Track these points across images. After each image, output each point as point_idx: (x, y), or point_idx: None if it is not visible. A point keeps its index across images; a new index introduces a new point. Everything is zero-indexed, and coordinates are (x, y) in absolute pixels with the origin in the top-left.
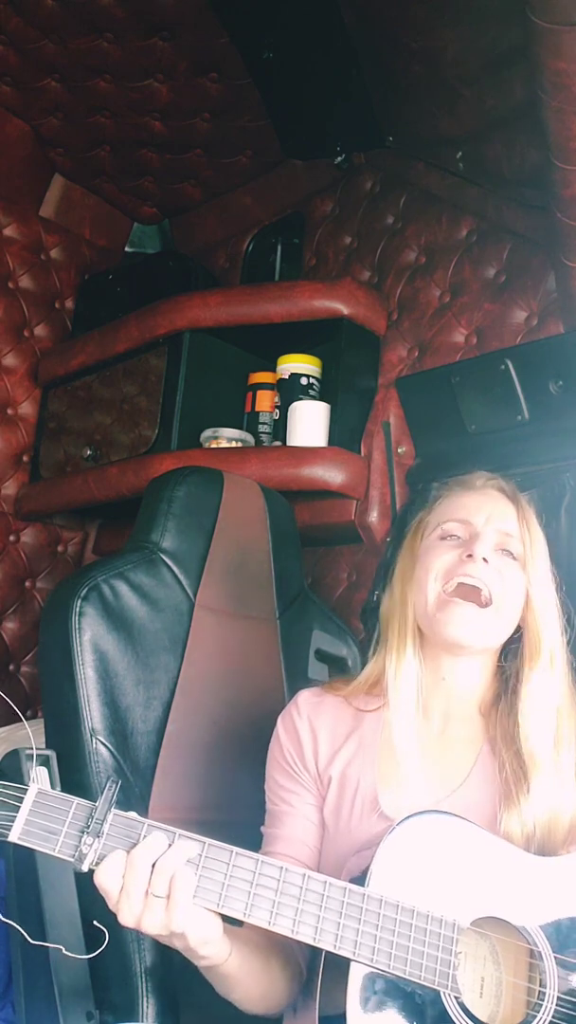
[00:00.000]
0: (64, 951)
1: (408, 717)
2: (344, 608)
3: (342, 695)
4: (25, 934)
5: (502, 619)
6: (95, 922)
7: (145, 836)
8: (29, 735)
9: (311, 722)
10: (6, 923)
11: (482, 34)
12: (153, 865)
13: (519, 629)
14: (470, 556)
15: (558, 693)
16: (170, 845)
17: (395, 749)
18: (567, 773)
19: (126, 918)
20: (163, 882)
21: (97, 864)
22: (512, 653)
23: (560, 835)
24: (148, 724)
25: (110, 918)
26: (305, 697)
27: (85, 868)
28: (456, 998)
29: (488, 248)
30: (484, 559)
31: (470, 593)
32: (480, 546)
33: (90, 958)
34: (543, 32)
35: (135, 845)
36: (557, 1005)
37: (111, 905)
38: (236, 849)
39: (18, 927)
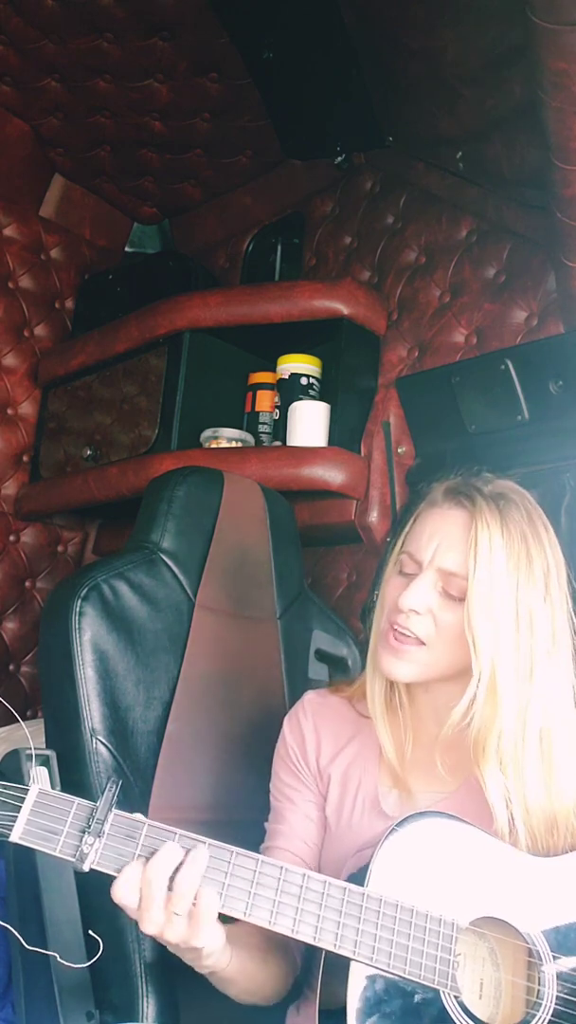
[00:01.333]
0: (59, 959)
1: (382, 726)
2: (344, 608)
3: (345, 696)
4: (22, 940)
5: (441, 654)
6: (91, 932)
7: (147, 835)
8: (27, 735)
9: (315, 722)
10: (4, 926)
11: (482, 34)
12: (171, 879)
13: None
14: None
15: (520, 733)
16: (187, 853)
17: (384, 752)
18: (560, 777)
19: (149, 929)
20: (185, 901)
21: (98, 864)
22: None
23: (559, 843)
24: (148, 724)
25: (108, 924)
26: (311, 698)
27: (86, 868)
28: (456, 997)
29: (488, 248)
30: (414, 610)
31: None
32: (406, 599)
33: (87, 966)
34: (543, 32)
35: (150, 859)
36: (556, 1004)
37: (131, 916)
38: (236, 849)
39: (15, 933)
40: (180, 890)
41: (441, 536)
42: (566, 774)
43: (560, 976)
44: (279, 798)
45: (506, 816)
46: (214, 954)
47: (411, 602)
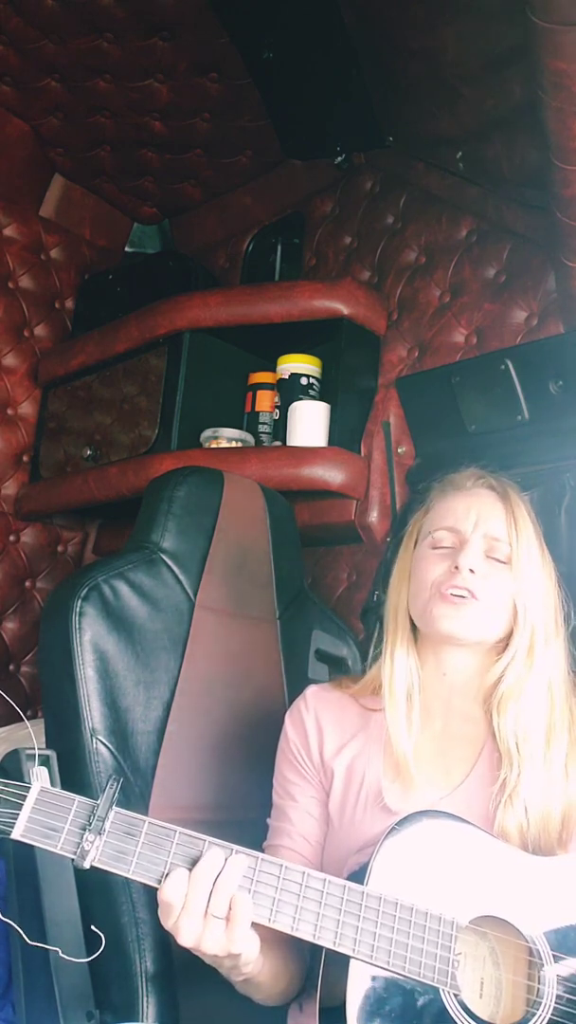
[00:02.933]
0: (61, 954)
1: (402, 715)
2: (344, 608)
3: (350, 693)
4: (24, 935)
5: (492, 613)
6: (92, 927)
7: (148, 832)
8: (31, 734)
9: (317, 715)
10: (6, 923)
11: (482, 34)
12: (213, 883)
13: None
14: (457, 568)
15: (540, 686)
16: (226, 860)
17: (393, 747)
18: (557, 767)
19: (186, 938)
20: (223, 902)
21: (99, 861)
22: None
23: (554, 831)
24: (148, 724)
25: (108, 923)
26: (313, 691)
27: (87, 865)
28: (455, 995)
29: (488, 248)
30: (470, 570)
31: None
32: (464, 558)
33: (88, 961)
34: (543, 32)
35: (195, 864)
36: (556, 1003)
37: (168, 925)
38: (236, 847)
39: (18, 928)
40: (219, 890)
41: (478, 508)
42: (560, 736)
43: (560, 976)
44: (282, 795)
45: (516, 770)
46: (252, 961)
47: (471, 560)
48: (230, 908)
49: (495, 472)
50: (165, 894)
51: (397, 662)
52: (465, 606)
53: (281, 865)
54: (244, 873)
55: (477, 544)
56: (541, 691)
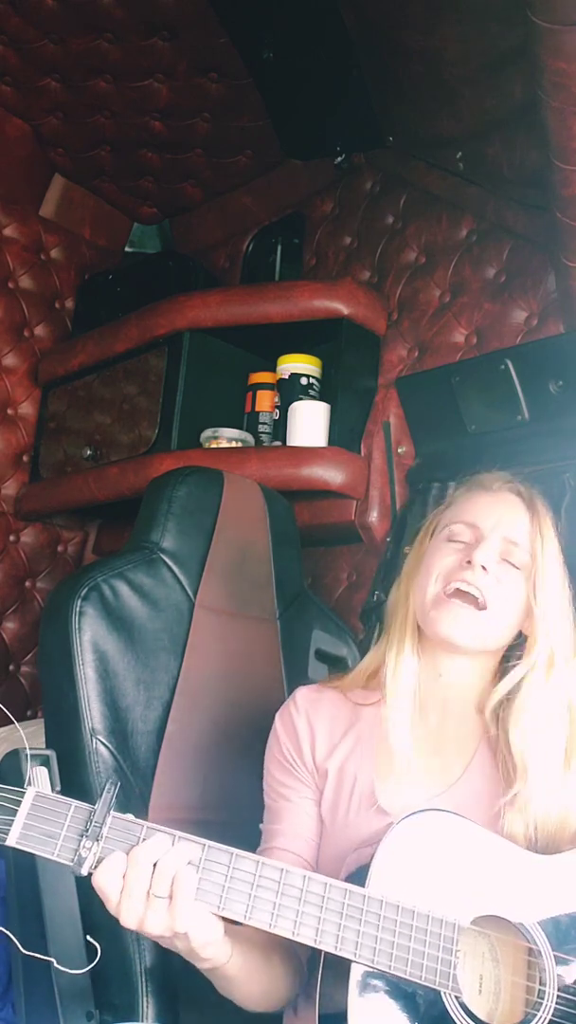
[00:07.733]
0: (56, 964)
1: (404, 712)
2: (344, 608)
3: (339, 689)
4: (19, 944)
5: (497, 624)
6: (88, 937)
7: (146, 837)
8: (22, 736)
9: (309, 717)
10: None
11: (482, 34)
12: (154, 865)
13: (524, 635)
14: (469, 563)
15: (557, 703)
16: (172, 844)
17: (391, 744)
18: (570, 780)
19: (128, 920)
20: (165, 882)
21: (96, 867)
22: (518, 659)
23: (564, 841)
24: (148, 724)
25: (109, 924)
26: (303, 693)
27: (84, 872)
28: (457, 998)
29: (488, 248)
30: (483, 567)
31: (467, 597)
32: (480, 553)
33: (85, 972)
34: (543, 32)
35: (136, 844)
36: (557, 1003)
37: (111, 908)
38: (236, 851)
39: (13, 938)
40: (160, 870)
41: (502, 510)
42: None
43: (561, 976)
44: (274, 797)
45: (527, 784)
46: (213, 945)
47: (485, 557)
48: (172, 887)
49: (525, 482)
50: (99, 880)
51: (403, 660)
52: (470, 615)
53: (282, 869)
54: (244, 879)
55: (494, 543)
56: (559, 710)
